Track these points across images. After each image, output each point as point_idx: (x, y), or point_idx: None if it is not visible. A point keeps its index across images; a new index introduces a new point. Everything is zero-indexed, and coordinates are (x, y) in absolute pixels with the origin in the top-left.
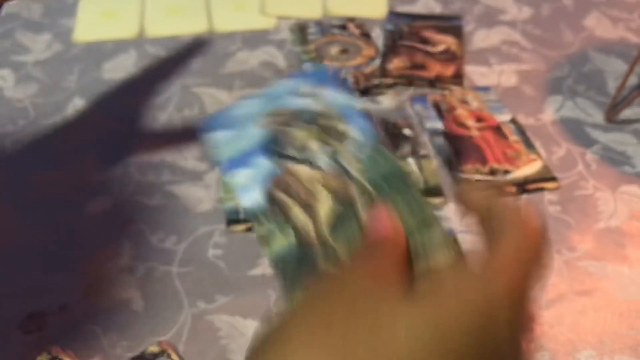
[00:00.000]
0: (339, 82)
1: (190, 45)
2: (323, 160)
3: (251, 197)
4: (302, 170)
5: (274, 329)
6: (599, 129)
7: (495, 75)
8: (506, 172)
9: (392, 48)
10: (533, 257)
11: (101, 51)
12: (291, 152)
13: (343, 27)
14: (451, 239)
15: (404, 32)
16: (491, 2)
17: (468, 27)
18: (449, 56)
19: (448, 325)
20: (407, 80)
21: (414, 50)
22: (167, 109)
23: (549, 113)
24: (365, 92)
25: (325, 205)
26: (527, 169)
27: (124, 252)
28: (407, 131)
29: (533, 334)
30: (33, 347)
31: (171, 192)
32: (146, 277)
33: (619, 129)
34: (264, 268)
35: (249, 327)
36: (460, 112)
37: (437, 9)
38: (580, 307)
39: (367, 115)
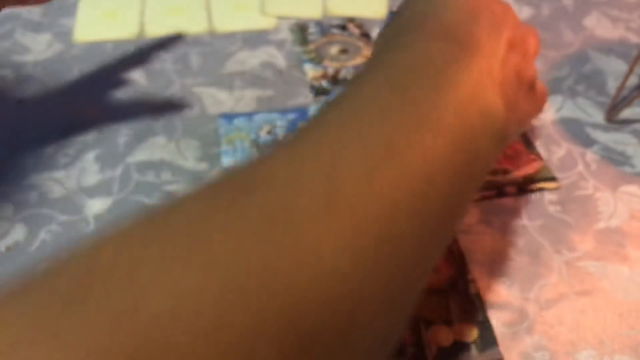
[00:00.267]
0: None
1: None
2: None
3: None
4: None
5: None
6: (599, 129)
7: None
8: (506, 171)
9: None
10: None
11: (101, 51)
12: None
13: (343, 27)
14: None
15: None
16: None
17: None
18: None
19: None
20: None
21: None
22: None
23: (549, 113)
24: None
25: None
26: (527, 168)
27: None
28: None
29: None
30: None
31: (171, 192)
32: None
33: (619, 129)
34: None
35: None
36: None
37: None
38: (580, 307)
39: None
